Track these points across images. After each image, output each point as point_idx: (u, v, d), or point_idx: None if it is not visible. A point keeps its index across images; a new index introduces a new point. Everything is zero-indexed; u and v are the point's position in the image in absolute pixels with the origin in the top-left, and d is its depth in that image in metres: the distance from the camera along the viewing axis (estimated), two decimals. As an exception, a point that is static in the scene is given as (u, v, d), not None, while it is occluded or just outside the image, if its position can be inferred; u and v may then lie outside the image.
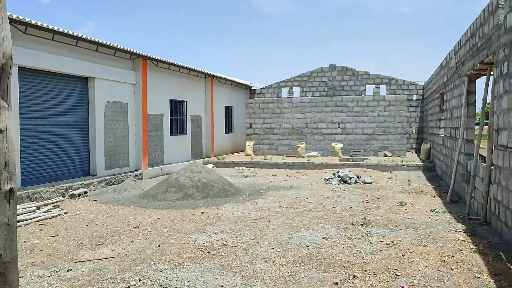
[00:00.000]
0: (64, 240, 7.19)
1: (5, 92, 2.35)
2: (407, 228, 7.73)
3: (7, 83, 2.38)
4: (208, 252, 6.42)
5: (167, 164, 17.18)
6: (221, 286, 5.04)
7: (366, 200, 10.65)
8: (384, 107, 20.99)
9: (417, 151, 23.46)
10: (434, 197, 11.04)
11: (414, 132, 24.47)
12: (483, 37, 8.42)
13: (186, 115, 19.17)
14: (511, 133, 6.38)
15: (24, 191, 10.17)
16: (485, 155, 7.84)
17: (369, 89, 25.01)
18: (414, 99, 24.54)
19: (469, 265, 5.65)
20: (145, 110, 15.52)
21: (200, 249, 6.56)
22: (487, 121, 7.93)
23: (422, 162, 17.73)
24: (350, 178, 13.80)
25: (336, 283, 5.08)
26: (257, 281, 5.19)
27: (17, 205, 9.18)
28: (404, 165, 17.05)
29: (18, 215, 8.52)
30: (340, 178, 13.93)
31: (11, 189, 2.44)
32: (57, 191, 11.09)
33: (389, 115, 20.90)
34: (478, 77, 10.02)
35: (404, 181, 14.07)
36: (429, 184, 13.46)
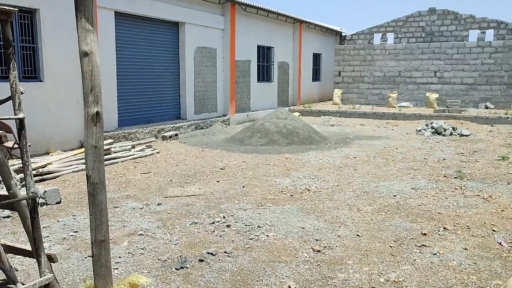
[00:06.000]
0: (156, 177, 7.61)
1: (89, 14, 2.37)
2: (508, 184, 7.07)
3: (91, 5, 2.38)
4: (291, 195, 6.41)
5: (253, 111, 17.33)
6: (303, 228, 5.01)
7: (461, 153, 9.90)
8: (489, 54, 19.03)
9: (525, 103, 21.19)
10: (543, 153, 9.96)
11: (523, 82, 22.02)
12: None
13: (273, 62, 18.96)
14: None
15: (121, 131, 10.87)
16: None
17: (473, 35, 22.70)
18: (526, 45, 21.88)
19: None
20: (233, 56, 15.58)
21: (283, 192, 6.57)
22: None
23: (530, 115, 16.00)
24: (445, 130, 12.89)
25: (424, 234, 4.81)
26: (340, 226, 5.08)
27: (115, 143, 9.85)
28: (508, 118, 15.51)
29: (115, 152, 9.15)
30: (433, 130, 13.07)
31: (97, 112, 2.51)
32: (150, 133, 11.72)
33: (495, 63, 18.94)
34: None
35: (508, 135, 12.84)
36: (537, 139, 12.15)
